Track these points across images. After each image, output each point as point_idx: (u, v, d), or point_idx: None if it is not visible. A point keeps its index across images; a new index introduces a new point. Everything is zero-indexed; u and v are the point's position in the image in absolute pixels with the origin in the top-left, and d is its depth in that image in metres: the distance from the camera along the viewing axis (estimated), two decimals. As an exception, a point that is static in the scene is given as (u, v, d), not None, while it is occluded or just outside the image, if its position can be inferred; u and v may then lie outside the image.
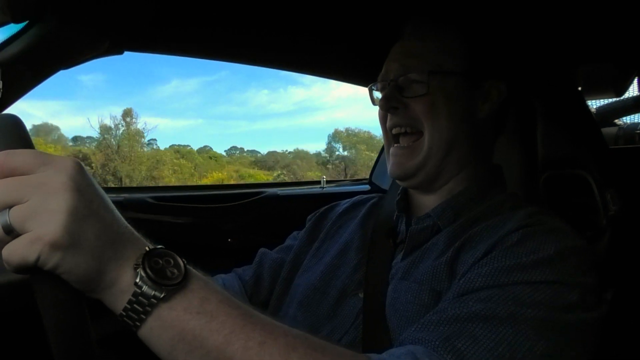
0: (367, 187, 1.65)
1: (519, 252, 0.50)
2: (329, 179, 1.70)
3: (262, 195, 1.41)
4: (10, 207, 0.33)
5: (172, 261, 0.37)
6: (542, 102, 0.87)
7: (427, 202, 0.67)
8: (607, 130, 1.35)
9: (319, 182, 1.65)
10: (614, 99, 1.34)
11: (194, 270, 0.38)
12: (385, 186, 1.50)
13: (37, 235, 0.32)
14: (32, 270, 0.34)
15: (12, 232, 0.33)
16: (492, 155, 0.71)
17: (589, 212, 0.78)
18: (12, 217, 0.32)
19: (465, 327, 0.43)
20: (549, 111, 0.86)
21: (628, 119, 1.43)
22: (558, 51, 0.98)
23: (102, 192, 0.37)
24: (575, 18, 0.90)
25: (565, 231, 0.54)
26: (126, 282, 0.35)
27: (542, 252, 0.49)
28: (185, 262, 0.38)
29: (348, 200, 0.84)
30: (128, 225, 0.38)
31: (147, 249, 0.37)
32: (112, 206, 0.37)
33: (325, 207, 0.85)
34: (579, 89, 1.03)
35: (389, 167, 0.68)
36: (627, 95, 1.27)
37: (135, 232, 0.38)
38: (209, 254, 1.29)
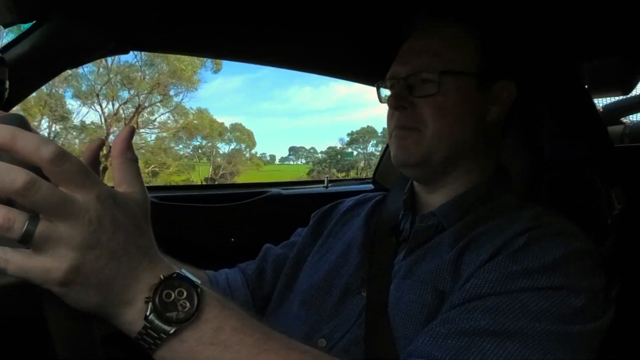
0: (370, 186, 1.65)
1: (525, 257, 0.50)
2: (332, 179, 1.70)
3: (265, 194, 1.42)
4: (38, 214, 0.31)
5: (184, 292, 0.36)
6: (548, 100, 0.86)
7: (433, 201, 0.67)
8: (613, 129, 1.34)
9: (322, 182, 1.65)
10: (621, 97, 1.33)
11: (209, 295, 0.37)
12: (389, 185, 1.49)
13: (46, 267, 0.32)
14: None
15: (27, 243, 0.31)
16: (498, 155, 0.71)
17: (594, 211, 0.78)
18: (39, 233, 0.31)
19: (474, 341, 0.44)
20: (554, 109, 0.86)
21: (635, 117, 1.42)
22: (564, 48, 0.97)
23: (127, 222, 0.35)
24: (582, 14, 0.89)
25: (571, 233, 0.54)
26: (136, 315, 0.35)
27: (548, 256, 0.49)
28: (200, 289, 0.36)
29: (352, 198, 0.84)
30: (147, 250, 0.37)
31: (161, 277, 0.36)
32: (134, 235, 0.36)
33: (330, 204, 0.85)
34: (586, 86, 1.02)
35: (392, 154, 0.67)
36: (633, 93, 1.26)
37: (153, 259, 0.37)
38: (212, 253, 1.29)
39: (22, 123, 0.37)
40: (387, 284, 0.61)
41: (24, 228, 0.31)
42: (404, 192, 0.72)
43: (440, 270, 0.55)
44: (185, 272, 0.38)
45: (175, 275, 0.37)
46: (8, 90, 0.80)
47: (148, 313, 0.35)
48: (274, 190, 1.45)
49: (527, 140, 0.88)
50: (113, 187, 0.37)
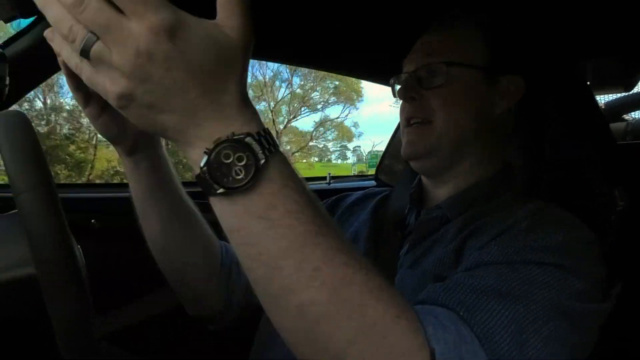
0: (373, 182, 1.65)
1: (528, 237, 0.50)
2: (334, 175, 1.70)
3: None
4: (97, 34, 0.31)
5: (244, 159, 0.33)
6: (555, 100, 0.86)
7: (439, 194, 0.68)
8: (615, 126, 1.34)
9: (324, 178, 1.65)
10: (623, 94, 1.33)
11: (275, 171, 0.34)
12: (391, 182, 1.49)
13: (103, 86, 0.32)
14: None
15: (87, 58, 0.32)
16: (504, 152, 0.71)
17: (594, 211, 0.78)
18: (93, 52, 0.31)
19: (481, 299, 0.43)
20: (561, 109, 0.86)
21: (637, 114, 1.42)
22: (567, 45, 0.97)
23: (192, 60, 0.32)
24: (585, 11, 0.89)
25: (575, 223, 0.54)
26: (196, 159, 0.34)
27: (551, 239, 0.49)
28: (265, 161, 0.33)
29: (360, 192, 0.84)
30: (219, 97, 0.33)
31: (228, 134, 0.33)
32: (200, 76, 0.32)
33: (336, 196, 0.85)
34: (588, 83, 1.02)
35: (402, 148, 0.68)
36: (636, 89, 1.26)
37: (226, 109, 0.33)
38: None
39: (22, 120, 0.37)
40: (393, 276, 0.61)
41: (82, 43, 0.31)
42: (410, 187, 0.73)
43: (443, 258, 0.56)
44: (264, 134, 0.34)
45: (244, 137, 0.33)
46: (8, 86, 0.80)
47: (202, 165, 0.33)
48: None
49: (533, 140, 0.88)
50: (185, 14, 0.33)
